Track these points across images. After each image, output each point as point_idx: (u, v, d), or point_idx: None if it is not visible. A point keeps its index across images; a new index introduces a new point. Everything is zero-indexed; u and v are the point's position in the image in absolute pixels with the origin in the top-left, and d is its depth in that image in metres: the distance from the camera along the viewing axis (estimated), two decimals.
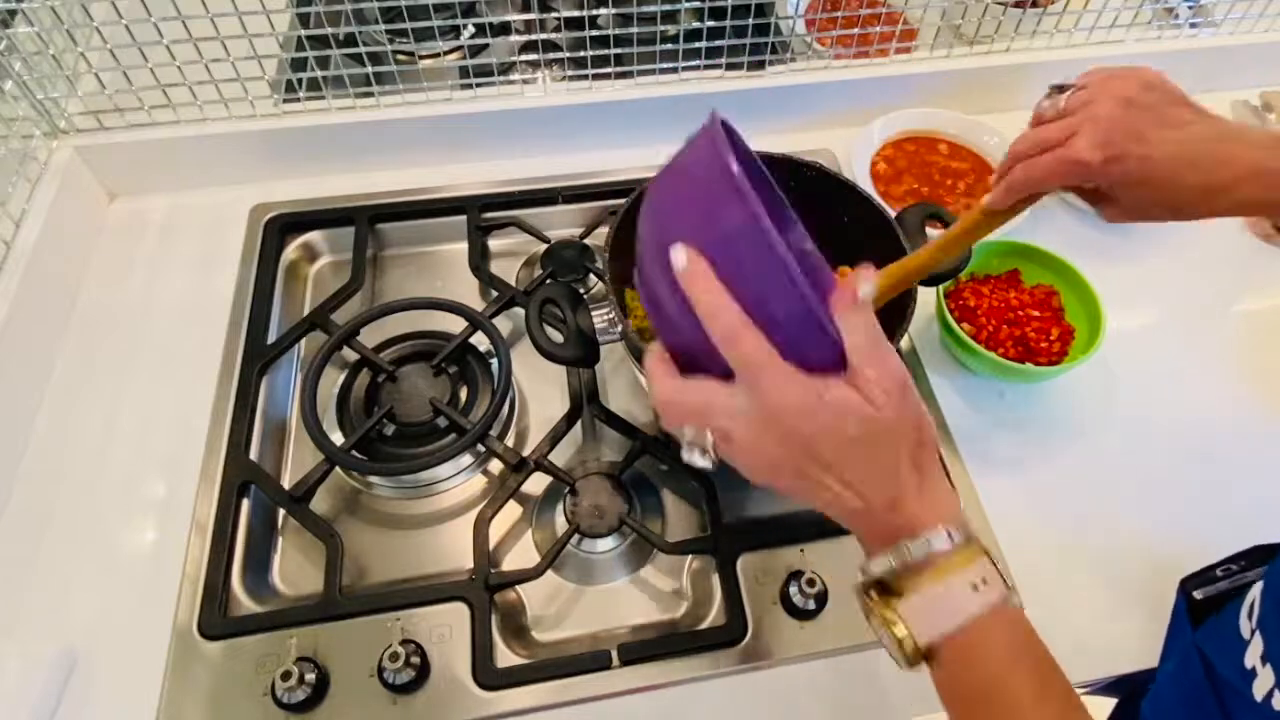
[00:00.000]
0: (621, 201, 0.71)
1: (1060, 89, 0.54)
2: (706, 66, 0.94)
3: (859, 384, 0.41)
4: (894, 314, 0.67)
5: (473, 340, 0.79)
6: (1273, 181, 0.50)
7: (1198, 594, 0.58)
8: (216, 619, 0.64)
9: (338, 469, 0.72)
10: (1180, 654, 0.56)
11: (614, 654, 0.64)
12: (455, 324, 0.79)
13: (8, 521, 0.70)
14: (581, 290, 0.87)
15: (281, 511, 0.72)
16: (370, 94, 0.90)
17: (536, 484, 0.73)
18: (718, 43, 0.91)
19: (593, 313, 0.68)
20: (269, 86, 0.89)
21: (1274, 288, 0.91)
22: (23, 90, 0.82)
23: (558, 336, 0.67)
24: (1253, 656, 0.47)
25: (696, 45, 0.90)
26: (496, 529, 0.70)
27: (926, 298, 0.80)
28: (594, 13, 0.95)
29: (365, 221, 0.88)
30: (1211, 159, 0.49)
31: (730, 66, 0.95)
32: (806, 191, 0.74)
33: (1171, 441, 0.78)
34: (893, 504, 0.42)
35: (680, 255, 0.40)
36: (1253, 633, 0.48)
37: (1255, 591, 0.50)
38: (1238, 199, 0.51)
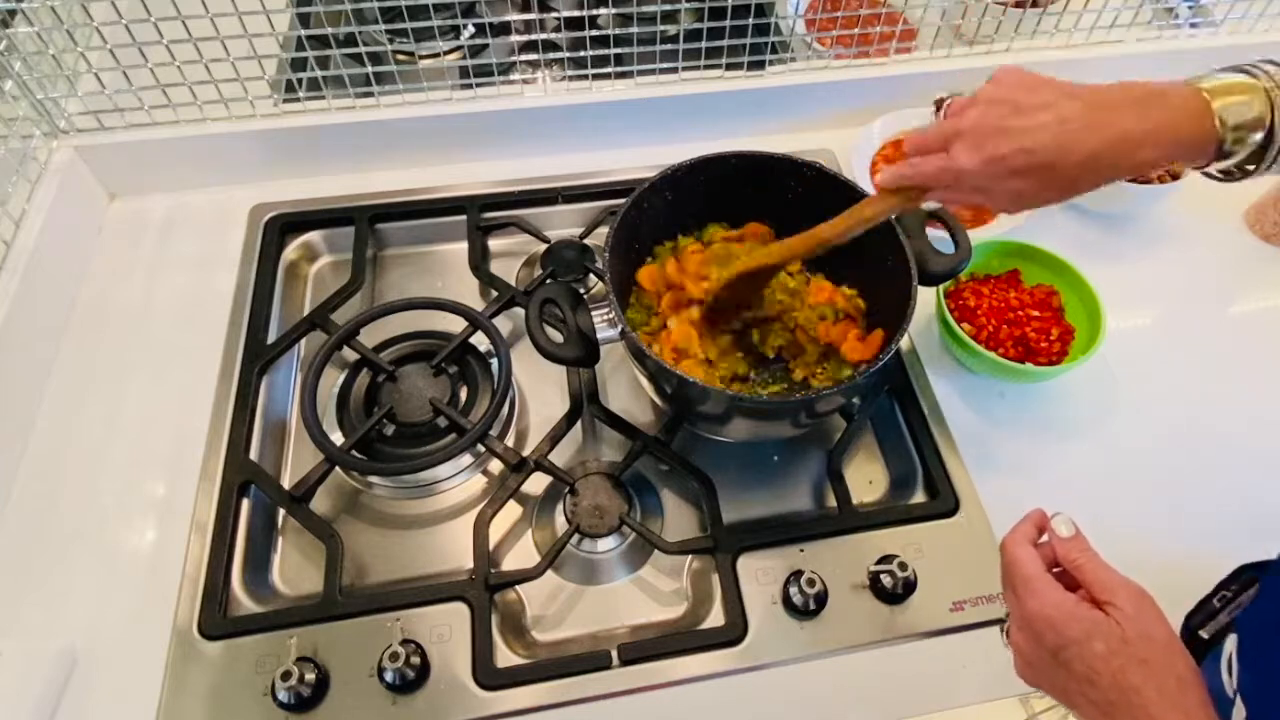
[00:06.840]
0: (621, 201, 0.71)
1: (941, 103, 0.56)
2: (706, 66, 0.94)
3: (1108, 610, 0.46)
4: (894, 314, 0.67)
5: (473, 340, 0.79)
6: (1142, 144, 0.50)
7: (1204, 633, 0.58)
8: (216, 619, 0.64)
9: (338, 469, 0.72)
10: None
11: (614, 654, 0.64)
12: (455, 324, 0.79)
13: (8, 521, 0.70)
14: (581, 290, 0.87)
15: (281, 511, 0.72)
16: (370, 94, 0.90)
17: (536, 484, 0.73)
18: (718, 43, 0.91)
19: (593, 313, 0.68)
20: (269, 86, 0.89)
21: (1274, 288, 0.91)
22: (23, 90, 0.82)
23: (558, 336, 0.67)
24: None
25: (696, 45, 0.90)
26: (496, 529, 0.70)
27: (927, 298, 0.80)
28: (594, 13, 0.95)
29: (365, 221, 0.88)
30: (1083, 133, 0.50)
31: (730, 66, 0.95)
32: (806, 191, 0.75)
33: (1171, 441, 0.78)
34: None
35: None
36: (1235, 694, 0.48)
37: (1230, 645, 0.50)
38: (1120, 165, 0.51)
